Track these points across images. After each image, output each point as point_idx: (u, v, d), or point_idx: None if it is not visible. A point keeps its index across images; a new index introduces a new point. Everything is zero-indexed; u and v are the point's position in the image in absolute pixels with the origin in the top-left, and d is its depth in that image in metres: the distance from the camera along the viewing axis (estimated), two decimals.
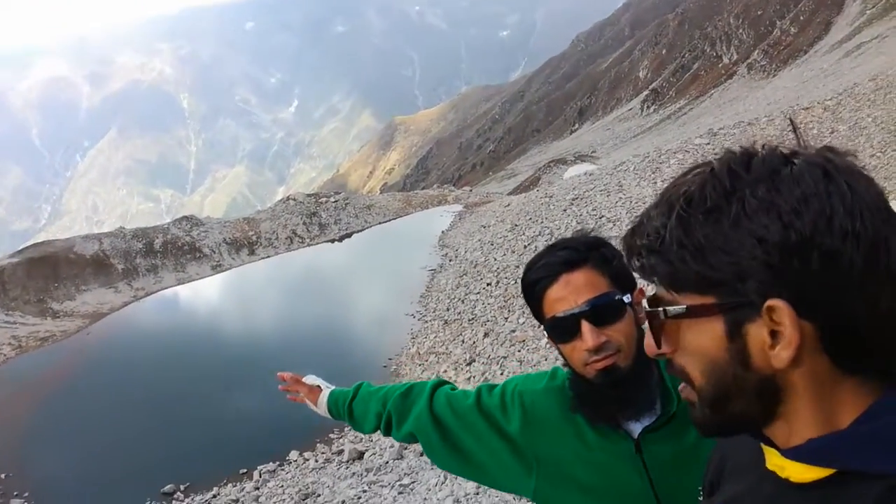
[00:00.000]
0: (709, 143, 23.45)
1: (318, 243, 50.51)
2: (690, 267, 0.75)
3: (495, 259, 25.76)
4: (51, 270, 43.07)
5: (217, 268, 47.97)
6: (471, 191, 56.90)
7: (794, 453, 0.78)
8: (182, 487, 15.26)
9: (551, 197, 26.00)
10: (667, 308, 0.78)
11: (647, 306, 0.82)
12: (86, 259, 45.33)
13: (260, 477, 15.12)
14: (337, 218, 52.95)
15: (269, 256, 49.16)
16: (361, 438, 12.66)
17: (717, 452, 1.02)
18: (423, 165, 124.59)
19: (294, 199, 54.58)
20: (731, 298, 0.74)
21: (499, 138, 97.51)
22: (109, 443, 18.56)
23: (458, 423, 1.72)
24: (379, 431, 1.95)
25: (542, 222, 25.84)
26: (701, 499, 1.10)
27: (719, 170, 0.76)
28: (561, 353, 1.50)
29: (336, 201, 54.13)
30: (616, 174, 23.33)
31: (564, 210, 25.07)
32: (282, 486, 13.96)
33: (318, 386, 2.18)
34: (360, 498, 9.53)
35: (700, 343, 0.78)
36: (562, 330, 1.44)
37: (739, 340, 0.76)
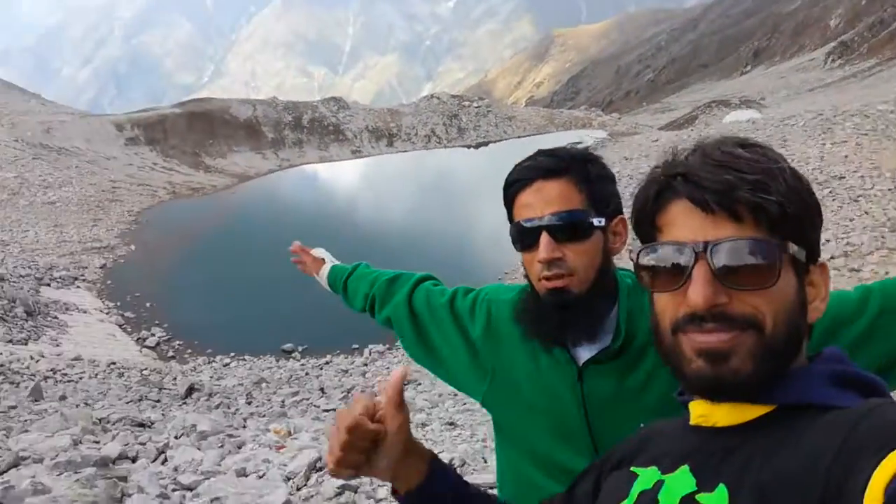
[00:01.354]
0: (893, 112, 21.05)
1: (453, 146, 50.83)
2: (811, 217, 0.83)
3: (631, 194, 24.90)
4: (208, 126, 46.23)
5: (357, 153, 49.65)
6: (619, 119, 54.70)
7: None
8: (300, 349, 16.56)
9: (705, 140, 24.61)
10: (791, 245, 0.80)
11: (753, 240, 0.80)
12: (239, 122, 48.16)
13: (370, 354, 16.10)
14: (476, 124, 52.84)
15: (405, 151, 50.17)
16: None
17: (630, 440, 1.01)
18: (574, 84, 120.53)
19: (438, 98, 54.81)
20: (813, 251, 0.83)
21: (660, 67, 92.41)
22: (239, 294, 20.27)
23: (430, 317, 1.72)
24: (366, 312, 1.99)
25: None
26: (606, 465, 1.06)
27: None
28: (522, 262, 1.44)
29: (479, 107, 53.87)
30: (782, 127, 21.54)
31: None
32: (388, 367, 14.87)
33: (323, 259, 2.26)
34: (456, 394, 9.96)
35: (786, 287, 0.80)
36: (524, 237, 1.38)
37: (802, 291, 0.83)
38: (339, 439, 0.90)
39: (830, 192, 19.39)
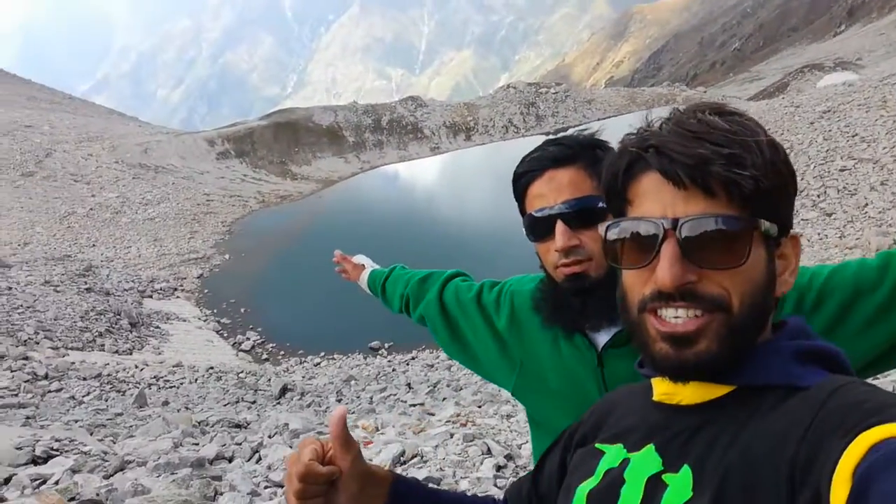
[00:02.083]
0: None
1: (532, 135, 50.32)
2: (786, 191, 0.80)
3: None
4: (292, 135, 47.82)
5: (435, 149, 50.04)
6: (705, 92, 52.56)
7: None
8: (386, 346, 17.01)
9: (798, 107, 23.14)
10: (763, 221, 0.78)
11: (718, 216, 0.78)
12: (322, 129, 49.53)
13: None
14: (555, 110, 52.07)
15: (483, 143, 50.13)
16: None
17: (592, 414, 1.00)
18: (656, 60, 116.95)
19: (514, 88, 54.37)
20: (785, 224, 0.81)
21: (747, 35, 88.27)
22: (327, 296, 20.85)
23: (460, 313, 1.74)
24: (403, 312, 2.03)
25: (782, 134, 23.34)
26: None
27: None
28: (536, 253, 1.44)
29: (556, 93, 53.04)
30: (881, 88, 20.05)
31: (811, 123, 22.35)
32: None
33: (363, 265, 2.36)
34: None
35: (755, 264, 0.78)
36: (537, 227, 1.37)
37: (772, 266, 0.81)
38: (293, 488, 0.90)
39: None
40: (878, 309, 1.19)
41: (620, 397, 0.99)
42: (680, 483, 0.75)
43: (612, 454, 0.88)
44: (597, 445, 0.92)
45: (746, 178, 0.74)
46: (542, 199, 1.36)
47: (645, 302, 0.79)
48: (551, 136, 1.46)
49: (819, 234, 19.29)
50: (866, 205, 19.05)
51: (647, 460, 0.81)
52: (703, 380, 0.80)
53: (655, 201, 0.79)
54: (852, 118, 20.16)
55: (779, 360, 0.79)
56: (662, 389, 0.85)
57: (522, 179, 1.41)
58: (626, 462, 0.84)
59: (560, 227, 1.33)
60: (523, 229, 1.43)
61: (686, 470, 0.75)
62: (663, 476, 0.77)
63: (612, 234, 0.83)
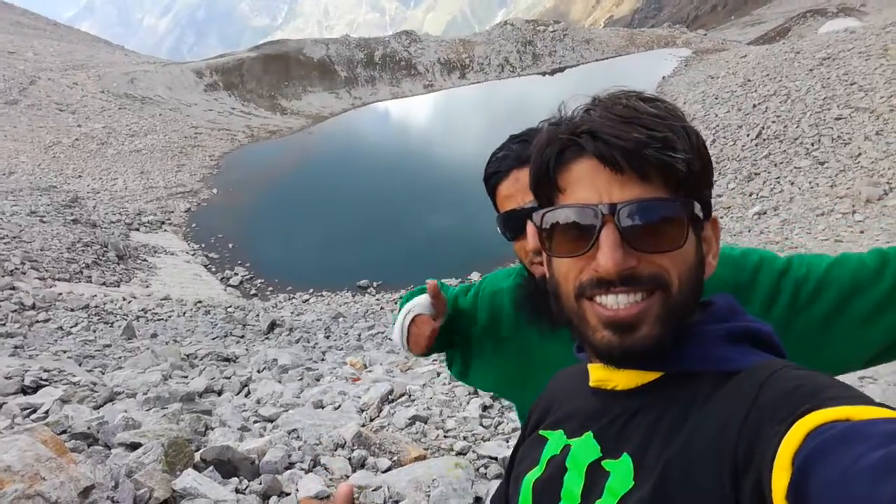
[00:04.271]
0: None
1: (528, 74, 49.41)
2: (709, 175, 0.81)
3: (716, 115, 23.66)
4: (283, 69, 46.78)
5: (429, 87, 49.13)
6: (705, 35, 51.60)
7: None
8: (374, 284, 17.09)
9: (798, 53, 22.77)
10: (697, 204, 0.79)
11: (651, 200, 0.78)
12: (313, 62, 48.41)
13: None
14: (552, 49, 51.04)
15: (478, 82, 49.21)
16: None
17: (541, 400, 1.02)
18: (657, 0, 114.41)
19: (511, 25, 53.10)
20: (708, 207, 0.82)
21: None
22: (316, 233, 20.86)
23: (450, 325, 1.68)
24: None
25: (780, 80, 23.08)
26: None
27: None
28: (514, 250, 1.44)
29: (554, 31, 51.87)
30: (883, 35, 19.75)
31: (810, 70, 22.02)
32: None
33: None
34: None
35: (689, 247, 0.79)
36: (509, 227, 1.39)
37: (700, 248, 0.82)
38: None
39: None
40: (877, 305, 1.18)
41: (563, 382, 0.99)
42: (621, 471, 0.75)
43: (554, 441, 0.89)
44: (541, 432, 0.93)
45: (680, 161, 0.75)
46: (511, 200, 1.37)
47: (583, 289, 0.79)
48: (513, 133, 1.44)
49: (811, 182, 19.30)
50: (859, 154, 19.00)
51: (586, 447, 0.82)
52: (644, 367, 0.80)
53: (590, 188, 0.78)
54: (851, 66, 19.90)
55: (707, 344, 0.78)
56: (597, 375, 0.85)
57: (491, 181, 1.42)
58: (567, 449, 0.85)
59: (531, 227, 1.32)
60: (498, 228, 1.43)
61: (626, 458, 0.76)
62: (603, 463, 0.78)
63: (548, 223, 0.82)
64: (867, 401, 0.61)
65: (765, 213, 19.62)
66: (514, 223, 1.37)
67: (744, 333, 0.80)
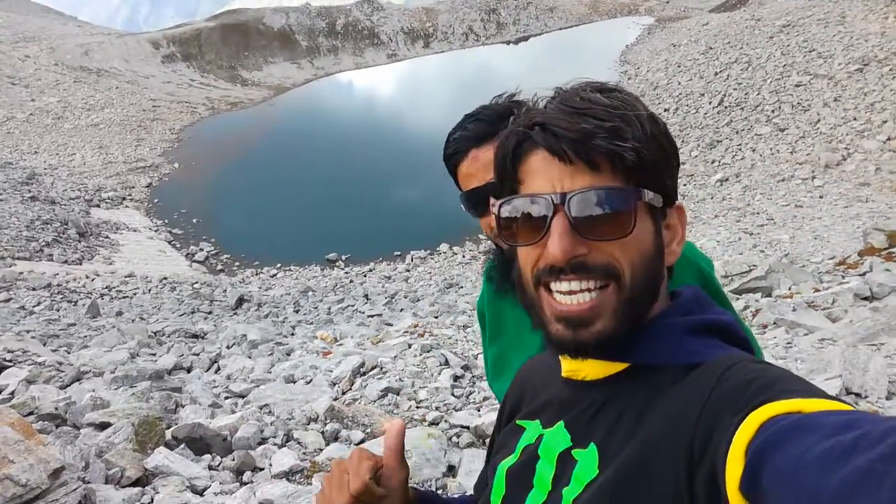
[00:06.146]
0: None
1: (492, 43, 49.03)
2: (668, 162, 0.82)
3: (679, 83, 23.80)
4: (242, 38, 45.66)
5: (392, 56, 48.47)
6: (667, 2, 51.66)
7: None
8: (343, 257, 16.97)
9: (759, 20, 23.01)
10: (646, 192, 0.79)
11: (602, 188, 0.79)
12: (273, 31, 47.35)
13: (412, 261, 16.44)
14: (516, 18, 50.67)
15: (442, 51, 48.68)
16: None
17: (514, 388, 1.05)
18: None
19: None
20: (669, 195, 0.83)
21: None
22: (283, 206, 20.60)
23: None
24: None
25: (741, 48, 23.28)
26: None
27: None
28: (480, 225, 1.48)
29: None
30: (841, 2, 20.02)
31: (770, 38, 22.25)
32: (429, 272, 15.05)
33: None
34: None
35: (643, 235, 0.80)
36: (473, 206, 1.42)
37: (659, 237, 0.83)
38: (343, 500, 0.91)
39: (891, 69, 18.10)
40: None
41: (536, 370, 1.01)
42: (587, 460, 0.78)
43: (531, 430, 0.92)
44: (518, 422, 0.96)
45: (628, 149, 0.76)
46: (472, 178, 1.40)
47: (539, 276, 0.81)
48: (469, 112, 1.46)
49: (771, 149, 19.63)
50: (818, 121, 19.37)
51: (557, 437, 0.85)
52: (603, 357, 0.82)
53: (544, 178, 0.80)
54: (810, 33, 20.20)
55: (672, 337, 0.80)
56: (568, 366, 0.88)
57: (450, 161, 1.44)
58: (541, 438, 0.88)
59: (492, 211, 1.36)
60: (461, 206, 1.46)
61: (592, 448, 0.78)
62: (573, 452, 0.81)
63: (505, 213, 0.84)
64: (820, 394, 0.63)
65: (727, 179, 19.95)
66: (476, 201, 1.40)
67: (709, 326, 0.82)
